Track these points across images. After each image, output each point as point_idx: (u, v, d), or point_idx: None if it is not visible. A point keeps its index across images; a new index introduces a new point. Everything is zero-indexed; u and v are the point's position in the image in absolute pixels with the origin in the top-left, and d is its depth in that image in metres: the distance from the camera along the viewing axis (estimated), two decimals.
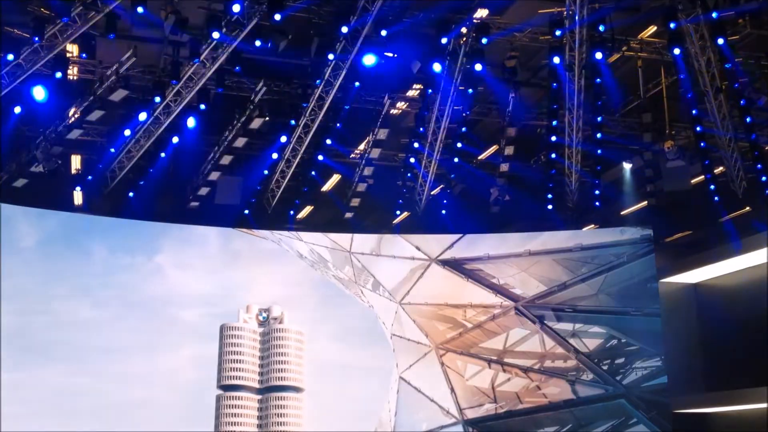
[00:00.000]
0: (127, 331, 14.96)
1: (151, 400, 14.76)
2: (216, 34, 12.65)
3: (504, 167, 16.17)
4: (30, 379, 14.12)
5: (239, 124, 14.73)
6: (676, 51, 13.32)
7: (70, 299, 14.89)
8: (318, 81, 14.11)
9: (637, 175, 16.67)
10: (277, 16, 12.25)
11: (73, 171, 15.50)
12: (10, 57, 12.47)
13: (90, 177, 15.16)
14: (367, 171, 16.28)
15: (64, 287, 14.92)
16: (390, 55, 13.46)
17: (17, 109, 13.31)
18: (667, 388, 15.48)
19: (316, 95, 14.37)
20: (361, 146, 16.27)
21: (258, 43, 12.76)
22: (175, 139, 14.70)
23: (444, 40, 13.27)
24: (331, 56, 13.35)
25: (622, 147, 16.14)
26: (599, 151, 15.71)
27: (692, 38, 13.66)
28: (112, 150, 14.78)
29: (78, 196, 15.42)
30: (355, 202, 16.74)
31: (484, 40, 13.13)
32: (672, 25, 12.91)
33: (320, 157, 15.71)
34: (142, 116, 14.01)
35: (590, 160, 16.08)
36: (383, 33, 12.85)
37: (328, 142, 15.43)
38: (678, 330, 16.74)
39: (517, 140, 15.82)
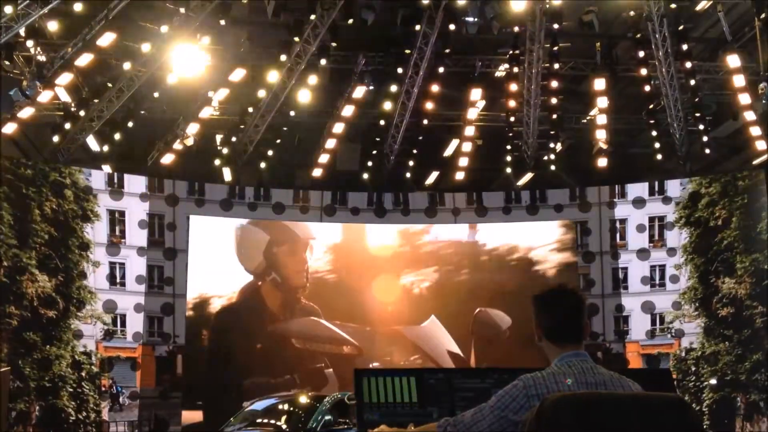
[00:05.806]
0: None
1: None
2: (313, 15, 14.36)
3: (602, 119, 16.72)
4: None
5: (346, 95, 16.35)
6: None
7: None
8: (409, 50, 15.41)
9: None
10: None
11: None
12: None
13: (225, 151, 17.35)
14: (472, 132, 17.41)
15: None
16: (471, 19, 14.52)
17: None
18: None
19: (412, 63, 15.68)
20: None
21: (350, 21, 14.34)
22: (293, 113, 16.58)
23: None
24: (417, 27, 14.65)
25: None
26: (696, 99, 15.97)
27: None
28: (242, 126, 16.87)
29: (227, 173, 17.65)
30: (464, 163, 17.84)
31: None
32: None
33: (425, 122, 16.97)
34: (262, 93, 15.97)
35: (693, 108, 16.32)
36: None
37: (429, 106, 16.62)
38: None
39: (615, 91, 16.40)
